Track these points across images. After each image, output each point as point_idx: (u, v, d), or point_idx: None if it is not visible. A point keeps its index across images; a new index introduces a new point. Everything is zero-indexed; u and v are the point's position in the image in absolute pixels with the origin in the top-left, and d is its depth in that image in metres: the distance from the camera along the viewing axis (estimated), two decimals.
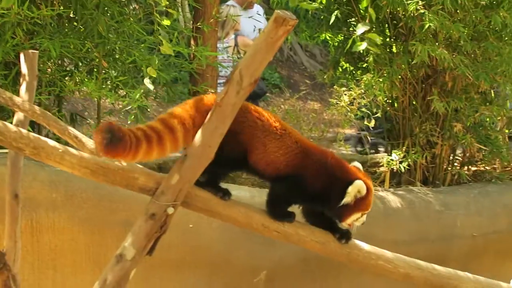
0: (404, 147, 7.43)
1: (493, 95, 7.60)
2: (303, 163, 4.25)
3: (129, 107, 6.19)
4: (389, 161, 7.35)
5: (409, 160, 7.28)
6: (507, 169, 8.10)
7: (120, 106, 6.45)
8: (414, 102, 7.49)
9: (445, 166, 7.62)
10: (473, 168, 7.96)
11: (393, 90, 7.44)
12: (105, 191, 5.77)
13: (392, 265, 4.52)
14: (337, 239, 4.35)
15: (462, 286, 4.53)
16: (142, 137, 4.02)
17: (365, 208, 4.30)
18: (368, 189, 4.25)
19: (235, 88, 3.98)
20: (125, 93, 6.35)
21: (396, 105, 7.63)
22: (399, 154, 7.35)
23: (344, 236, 4.36)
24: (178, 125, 4.14)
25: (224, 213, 4.32)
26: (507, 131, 8.19)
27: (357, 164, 4.43)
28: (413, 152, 7.35)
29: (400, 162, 7.24)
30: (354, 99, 7.35)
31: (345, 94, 7.40)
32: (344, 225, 4.38)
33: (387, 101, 7.62)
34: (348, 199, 4.23)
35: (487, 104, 7.52)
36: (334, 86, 7.60)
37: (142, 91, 6.09)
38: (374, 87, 7.29)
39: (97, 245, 5.90)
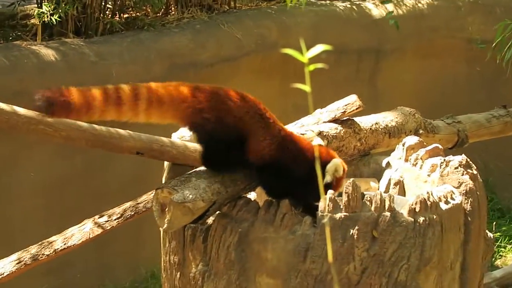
0: None
1: None
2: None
3: None
4: (40, 14, 7.09)
5: (61, 11, 7.08)
6: (159, 15, 8.23)
7: None
8: None
9: (96, 15, 7.53)
10: (125, 16, 7.97)
11: None
12: None
13: (52, 129, 4.44)
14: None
15: (123, 144, 4.61)
16: (99, 96, 3.93)
17: (340, 187, 4.17)
18: (344, 169, 4.16)
19: None
20: None
21: None
22: (49, 6, 7.11)
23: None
24: (145, 94, 3.98)
25: None
26: None
27: (319, 141, 4.35)
28: (63, 3, 7.14)
29: (51, 14, 7.02)
30: None
31: None
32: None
33: None
34: (328, 178, 4.08)
35: None
36: None
37: None
38: None
39: None
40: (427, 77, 9.16)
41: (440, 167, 4.35)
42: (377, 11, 8.75)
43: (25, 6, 7.76)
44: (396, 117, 5.17)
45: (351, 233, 3.84)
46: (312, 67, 2.17)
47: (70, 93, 3.91)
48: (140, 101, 3.98)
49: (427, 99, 8.78)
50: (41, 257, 4.73)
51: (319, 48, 2.16)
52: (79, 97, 3.92)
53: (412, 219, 3.91)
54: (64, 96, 3.90)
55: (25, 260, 4.73)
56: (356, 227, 3.83)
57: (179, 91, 4.06)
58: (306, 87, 2.19)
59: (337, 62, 8.48)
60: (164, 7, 8.29)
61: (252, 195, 4.26)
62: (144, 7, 8.10)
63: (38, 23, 7.18)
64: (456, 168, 4.30)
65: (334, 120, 4.88)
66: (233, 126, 4.01)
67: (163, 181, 4.30)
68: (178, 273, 4.16)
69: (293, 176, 4.09)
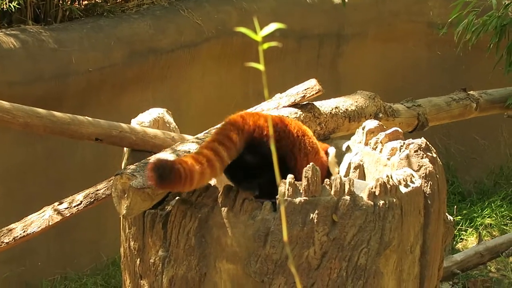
0: None
1: None
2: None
3: None
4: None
5: None
6: (118, 1, 8.15)
7: None
8: None
9: (56, 2, 7.45)
10: (85, 3, 7.88)
11: None
12: None
13: (10, 116, 4.41)
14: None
15: (82, 131, 4.58)
16: (194, 164, 3.78)
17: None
18: None
19: None
20: None
21: None
22: None
23: None
24: (219, 146, 3.87)
25: None
26: None
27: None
28: None
29: (10, 1, 6.93)
30: None
31: None
32: None
33: None
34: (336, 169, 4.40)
35: None
36: None
37: None
38: None
39: None
40: (388, 61, 9.18)
41: (400, 151, 4.37)
42: None
43: None
44: (356, 101, 5.18)
45: (311, 218, 3.83)
46: (266, 45, 2.16)
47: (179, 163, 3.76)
48: (221, 152, 3.89)
49: (389, 83, 8.82)
50: (1, 245, 4.68)
51: (272, 26, 2.15)
52: (186, 169, 3.74)
53: (372, 203, 3.91)
54: (177, 167, 3.72)
55: None
56: (316, 211, 3.83)
57: (245, 116, 4.07)
58: (260, 66, 2.18)
59: (298, 48, 8.47)
60: None
61: (211, 181, 4.24)
62: None
63: None
64: (416, 151, 4.31)
65: (294, 105, 4.87)
66: (290, 150, 4.12)
67: (122, 167, 4.27)
68: (138, 259, 4.13)
69: None
